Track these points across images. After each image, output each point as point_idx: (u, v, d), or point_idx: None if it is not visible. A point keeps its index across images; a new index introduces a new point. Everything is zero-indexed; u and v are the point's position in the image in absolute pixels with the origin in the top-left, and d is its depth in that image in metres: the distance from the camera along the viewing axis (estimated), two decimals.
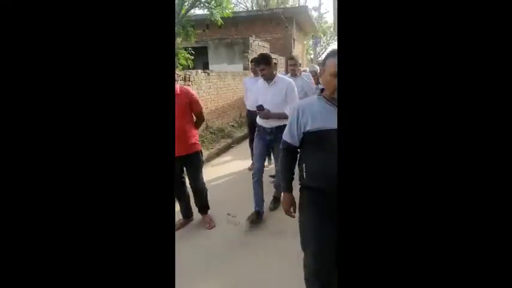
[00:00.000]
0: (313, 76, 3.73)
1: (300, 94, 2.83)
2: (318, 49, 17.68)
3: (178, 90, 2.04)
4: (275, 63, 2.89)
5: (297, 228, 1.32)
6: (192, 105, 2.12)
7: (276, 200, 2.59)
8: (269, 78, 2.36)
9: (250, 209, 2.35)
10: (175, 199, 2.27)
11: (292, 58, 3.27)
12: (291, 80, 2.51)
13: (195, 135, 2.20)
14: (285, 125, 1.75)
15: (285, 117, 2.17)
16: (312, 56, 18.07)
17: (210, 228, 2.26)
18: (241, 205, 2.52)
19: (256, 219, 2.30)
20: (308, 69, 4.43)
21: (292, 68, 3.21)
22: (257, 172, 2.37)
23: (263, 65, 2.34)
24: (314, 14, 17.68)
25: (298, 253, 1.36)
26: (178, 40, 5.81)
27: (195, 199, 2.31)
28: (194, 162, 2.21)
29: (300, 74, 3.35)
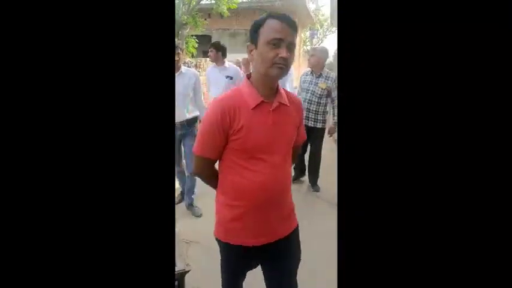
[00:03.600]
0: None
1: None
2: (314, 41, 18.12)
3: (285, 99, 0.94)
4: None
5: None
6: (299, 129, 1.03)
7: None
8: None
9: None
10: None
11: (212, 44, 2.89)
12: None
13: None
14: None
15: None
16: (308, 47, 18.51)
17: None
18: None
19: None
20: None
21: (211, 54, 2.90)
22: None
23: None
24: (312, 6, 18.05)
25: None
26: (187, 29, 6.29)
27: None
28: (291, 250, 1.05)
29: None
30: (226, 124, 0.86)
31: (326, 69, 2.67)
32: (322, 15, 20.33)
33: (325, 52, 2.66)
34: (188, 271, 1.61)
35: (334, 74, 2.66)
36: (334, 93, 2.59)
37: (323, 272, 1.68)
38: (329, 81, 2.57)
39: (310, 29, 16.80)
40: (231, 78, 2.90)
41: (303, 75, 2.72)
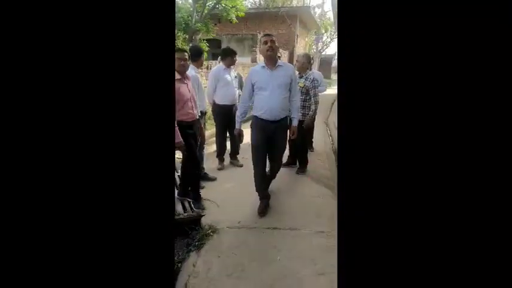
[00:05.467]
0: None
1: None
2: (319, 45, 18.71)
3: None
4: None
5: None
6: None
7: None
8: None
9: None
10: None
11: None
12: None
13: None
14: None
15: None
16: (314, 51, 19.11)
17: None
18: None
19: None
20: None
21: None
22: None
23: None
24: (317, 11, 18.71)
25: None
26: (199, 34, 7.00)
27: None
28: None
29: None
30: None
31: (309, 71, 3.21)
32: (328, 19, 20.93)
33: (306, 57, 3.21)
34: (203, 215, 2.26)
35: (314, 75, 3.21)
36: (312, 92, 3.04)
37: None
38: (307, 81, 3.02)
39: (315, 33, 17.43)
40: (236, 77, 3.42)
41: None
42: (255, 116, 2.30)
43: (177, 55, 2.25)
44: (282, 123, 2.31)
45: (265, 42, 2.13)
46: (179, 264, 1.85)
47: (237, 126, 2.41)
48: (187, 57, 2.35)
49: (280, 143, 2.38)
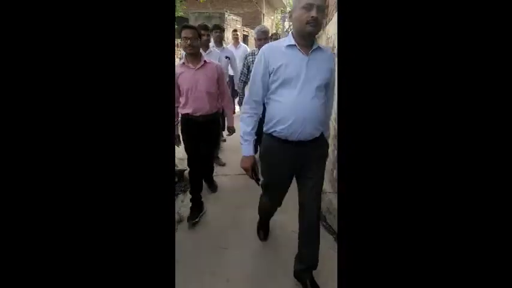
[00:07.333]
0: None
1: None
2: (285, 24, 19.04)
3: None
4: (245, 36, 3.05)
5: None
6: None
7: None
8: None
9: None
10: None
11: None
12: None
13: None
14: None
15: None
16: (279, 31, 19.39)
17: None
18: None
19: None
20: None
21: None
22: None
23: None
24: None
25: None
26: None
27: None
28: None
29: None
30: None
31: None
32: None
33: (265, 33, 2.73)
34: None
35: None
36: None
37: None
38: None
39: (281, 13, 17.69)
40: (229, 58, 3.01)
41: (249, 55, 2.71)
42: (269, 135, 1.33)
43: (182, 34, 1.78)
44: (316, 147, 1.35)
45: (308, 8, 1.14)
46: None
47: (244, 151, 1.34)
48: (193, 35, 1.79)
49: (317, 181, 1.36)
